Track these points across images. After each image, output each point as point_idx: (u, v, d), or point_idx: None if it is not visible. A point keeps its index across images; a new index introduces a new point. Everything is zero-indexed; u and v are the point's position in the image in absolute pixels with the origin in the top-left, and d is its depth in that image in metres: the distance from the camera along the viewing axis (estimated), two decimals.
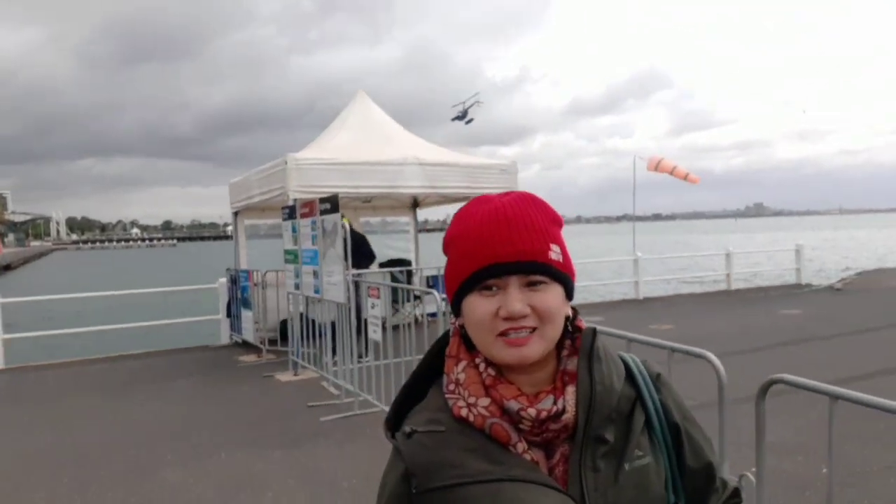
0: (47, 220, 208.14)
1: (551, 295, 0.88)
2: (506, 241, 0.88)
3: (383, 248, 11.82)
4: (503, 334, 0.87)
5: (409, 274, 10.38)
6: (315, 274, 6.59)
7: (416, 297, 9.43)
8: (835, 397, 1.66)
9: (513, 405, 0.87)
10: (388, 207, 11.35)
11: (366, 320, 6.05)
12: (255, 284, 8.82)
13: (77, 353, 9.53)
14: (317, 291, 6.54)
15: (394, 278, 9.29)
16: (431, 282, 10.05)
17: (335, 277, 6.07)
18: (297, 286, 7.13)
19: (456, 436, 0.87)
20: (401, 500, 0.87)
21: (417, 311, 9.63)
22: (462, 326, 0.94)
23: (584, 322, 0.96)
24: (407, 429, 0.90)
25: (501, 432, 0.87)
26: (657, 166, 14.41)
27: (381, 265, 10.76)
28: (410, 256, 11.36)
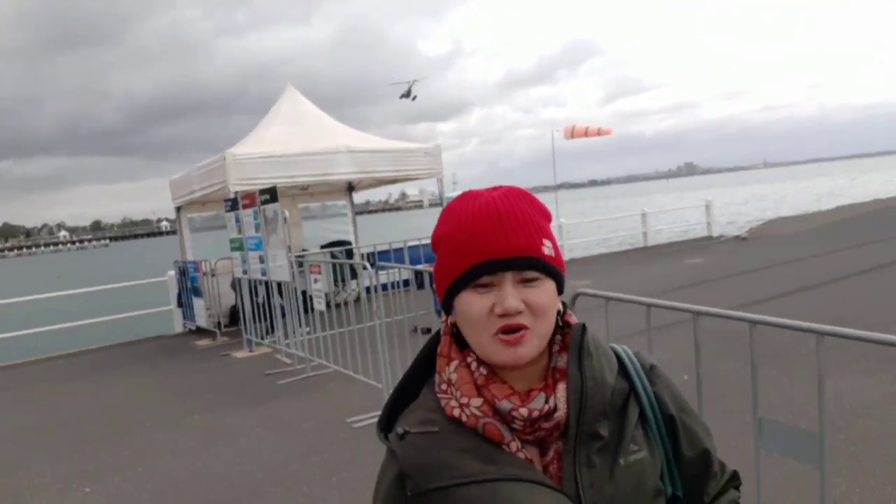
0: None
1: (544, 290, 0.88)
2: (500, 237, 0.87)
3: (322, 231, 12.57)
4: (498, 332, 0.86)
5: (350, 253, 11.17)
6: (261, 258, 7.34)
7: (354, 276, 10.24)
8: (607, 299, 2.61)
9: (504, 405, 0.87)
10: (324, 193, 12.05)
11: (310, 296, 6.86)
12: (205, 273, 9.46)
13: (33, 353, 9.95)
14: (263, 274, 7.30)
15: (334, 257, 10.06)
16: (371, 259, 10.88)
17: (280, 261, 6.85)
18: (244, 271, 7.86)
19: (450, 436, 0.87)
20: (396, 503, 0.87)
21: (360, 288, 10.47)
22: (454, 325, 0.94)
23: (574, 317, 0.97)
24: (400, 430, 0.89)
25: (495, 432, 0.87)
26: (572, 132, 15.52)
27: (322, 247, 11.53)
28: (350, 237, 12.13)
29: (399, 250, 9.60)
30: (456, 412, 0.89)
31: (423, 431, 0.88)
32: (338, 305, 7.44)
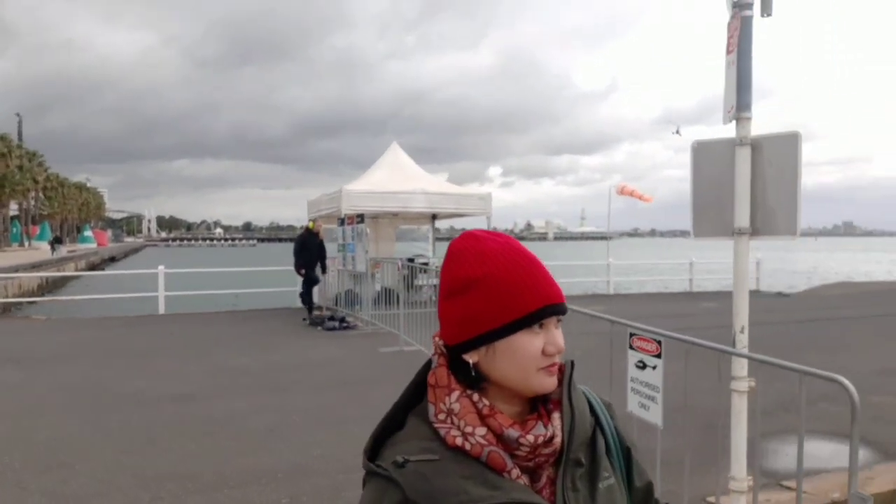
0: (140, 218, 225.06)
1: (561, 331, 0.98)
2: (551, 282, 0.96)
3: (411, 248, 16.60)
4: (542, 368, 0.94)
5: (425, 265, 15.03)
6: (353, 258, 11.42)
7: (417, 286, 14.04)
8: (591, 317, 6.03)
9: (512, 433, 0.92)
10: (414, 219, 16.07)
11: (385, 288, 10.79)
12: None
13: (203, 308, 14.68)
14: (353, 267, 11.38)
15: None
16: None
17: (361, 259, 10.89)
18: (343, 265, 12.00)
19: (451, 464, 0.90)
20: None
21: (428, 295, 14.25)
22: (477, 362, 0.96)
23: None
24: (399, 459, 0.90)
25: (498, 459, 0.91)
26: (621, 191, 18.54)
27: (410, 260, 15.50)
28: (428, 253, 16.04)
29: None
30: (459, 441, 0.92)
31: (424, 459, 0.90)
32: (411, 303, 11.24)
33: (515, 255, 0.96)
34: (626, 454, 1.08)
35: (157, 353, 8.87)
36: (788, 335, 10.63)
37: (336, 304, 13.23)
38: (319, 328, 10.84)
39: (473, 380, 0.96)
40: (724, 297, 17.15)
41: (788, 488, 4.15)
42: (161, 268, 14.12)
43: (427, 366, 1.01)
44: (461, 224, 17.62)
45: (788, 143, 2.79)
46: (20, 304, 18.23)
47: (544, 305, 0.94)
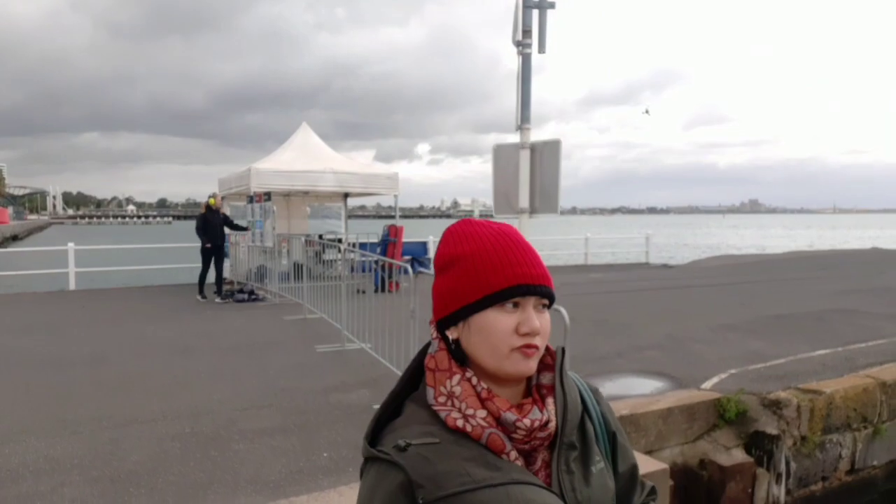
0: (44, 195, 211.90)
1: (548, 317, 1.00)
2: (531, 265, 0.99)
3: (324, 225, 17.31)
4: (517, 349, 0.96)
5: (338, 241, 15.80)
6: (261, 234, 12.10)
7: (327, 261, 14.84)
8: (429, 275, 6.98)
9: (509, 416, 0.96)
10: (327, 197, 16.75)
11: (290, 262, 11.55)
12: (233, 243, 14.29)
13: (114, 284, 14.97)
14: (262, 242, 12.07)
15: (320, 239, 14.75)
16: (355, 247, 15.47)
17: (269, 235, 11.60)
18: (252, 240, 12.67)
19: (452, 446, 0.94)
20: None
21: (341, 267, 15.04)
22: (456, 342, 1.00)
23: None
24: (401, 443, 0.93)
25: (498, 441, 0.95)
26: None
27: (319, 236, 16.22)
28: (341, 230, 16.82)
29: (374, 244, 14.24)
30: (460, 423, 0.96)
31: (425, 443, 0.93)
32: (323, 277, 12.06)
33: (500, 238, 1.00)
34: (612, 439, 1.11)
35: (69, 324, 9.36)
36: (656, 300, 12.18)
37: (247, 279, 13.87)
38: (230, 300, 11.52)
39: (457, 356, 1.00)
40: (613, 270, 19.01)
41: None
42: (71, 244, 14.29)
43: (422, 354, 1.05)
44: (387, 202, 18.45)
45: (553, 147, 3.87)
46: None
47: (517, 284, 0.96)
